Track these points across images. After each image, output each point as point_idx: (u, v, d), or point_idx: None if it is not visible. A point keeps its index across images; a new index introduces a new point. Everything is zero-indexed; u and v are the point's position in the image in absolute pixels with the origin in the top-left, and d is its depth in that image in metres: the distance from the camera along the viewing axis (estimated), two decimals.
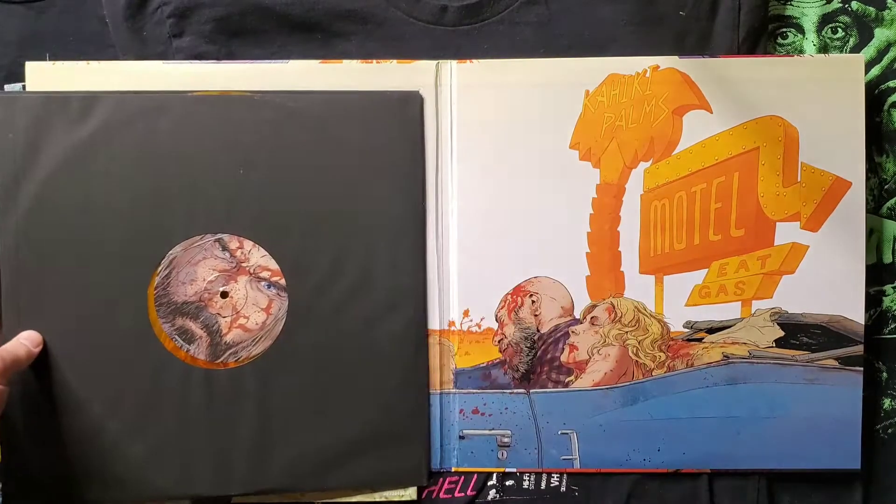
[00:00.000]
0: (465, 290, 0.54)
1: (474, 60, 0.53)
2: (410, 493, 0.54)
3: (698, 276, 0.54)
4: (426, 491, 0.54)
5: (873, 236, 0.56)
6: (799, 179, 0.53)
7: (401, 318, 0.53)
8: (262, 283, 0.52)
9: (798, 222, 0.53)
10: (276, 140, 0.52)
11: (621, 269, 0.54)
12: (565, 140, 0.53)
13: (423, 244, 0.53)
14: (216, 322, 0.52)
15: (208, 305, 0.52)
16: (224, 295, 0.52)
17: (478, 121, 0.53)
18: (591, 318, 0.54)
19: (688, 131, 0.53)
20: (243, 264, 0.52)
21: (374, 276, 0.52)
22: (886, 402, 0.56)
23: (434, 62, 0.53)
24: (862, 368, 0.53)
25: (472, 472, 0.54)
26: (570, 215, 0.53)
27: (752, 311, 0.54)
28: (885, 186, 0.56)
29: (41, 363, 0.51)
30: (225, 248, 0.52)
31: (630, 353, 0.54)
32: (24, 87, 0.53)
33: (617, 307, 0.54)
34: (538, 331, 0.54)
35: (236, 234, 0.52)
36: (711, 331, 0.54)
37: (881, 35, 0.56)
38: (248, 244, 0.52)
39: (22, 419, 0.51)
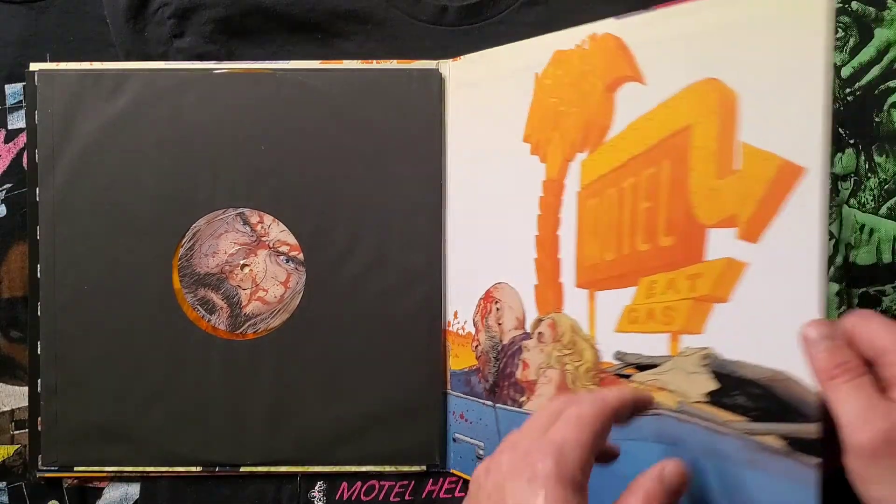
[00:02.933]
0: (453, 291, 0.53)
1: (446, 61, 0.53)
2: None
3: (627, 296, 0.43)
4: (426, 491, 0.55)
5: (873, 236, 0.56)
6: (737, 166, 0.38)
7: (416, 295, 0.53)
8: (281, 257, 0.54)
9: (734, 228, 0.38)
10: (296, 117, 0.53)
11: (560, 279, 0.46)
12: (519, 133, 0.48)
13: (440, 223, 0.53)
14: (236, 294, 0.53)
15: (229, 277, 0.53)
16: (244, 267, 0.53)
17: (452, 121, 0.53)
18: (538, 333, 0.48)
19: (621, 111, 0.43)
20: (263, 238, 0.53)
21: (389, 254, 0.53)
22: None
23: (435, 62, 0.53)
24: (819, 460, 0.35)
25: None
26: (522, 216, 0.48)
27: (680, 349, 0.41)
28: (886, 186, 0.56)
29: (75, 327, 0.53)
30: (246, 222, 0.53)
31: (568, 381, 0.46)
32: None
33: (557, 324, 0.47)
34: (501, 341, 0.51)
35: (257, 208, 0.53)
36: (641, 367, 0.43)
37: (881, 35, 0.56)
38: (268, 219, 0.53)
39: (56, 378, 0.53)
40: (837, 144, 0.56)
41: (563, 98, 0.46)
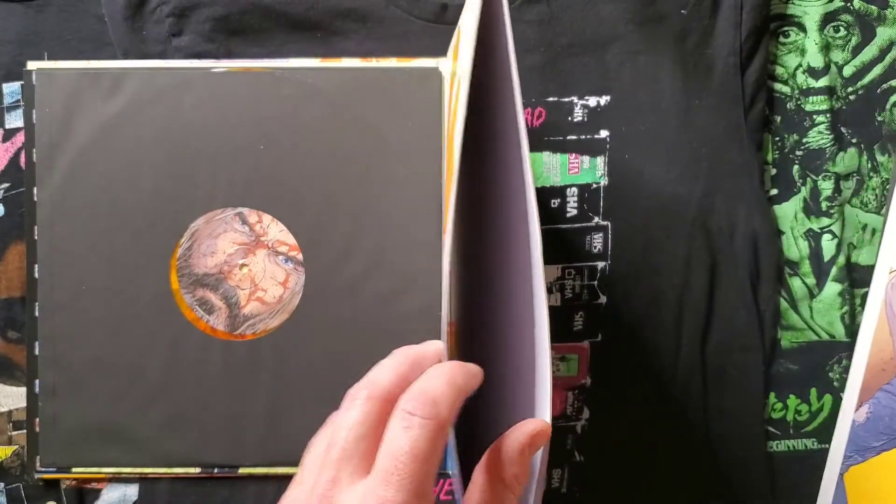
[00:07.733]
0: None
1: None
2: None
3: None
4: None
5: (876, 236, 0.56)
6: None
7: (415, 296, 0.53)
8: (280, 257, 0.53)
9: None
10: (295, 116, 0.53)
11: None
12: None
13: (440, 223, 0.53)
14: (235, 294, 0.53)
15: (228, 278, 0.53)
16: (242, 268, 0.53)
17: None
18: None
19: None
20: (262, 238, 0.53)
21: (388, 256, 0.53)
22: None
23: (435, 60, 0.53)
24: None
25: None
26: None
27: None
28: (888, 186, 0.56)
29: (73, 327, 0.52)
30: (244, 222, 0.53)
31: None
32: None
33: None
34: None
35: (256, 208, 0.53)
36: None
37: (883, 34, 0.56)
38: (266, 218, 0.53)
39: (54, 379, 0.53)
40: (840, 143, 0.56)
41: None
